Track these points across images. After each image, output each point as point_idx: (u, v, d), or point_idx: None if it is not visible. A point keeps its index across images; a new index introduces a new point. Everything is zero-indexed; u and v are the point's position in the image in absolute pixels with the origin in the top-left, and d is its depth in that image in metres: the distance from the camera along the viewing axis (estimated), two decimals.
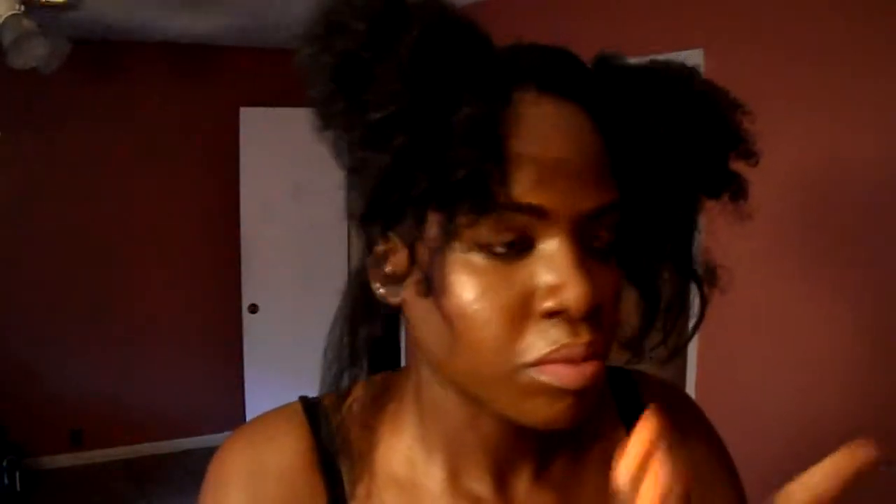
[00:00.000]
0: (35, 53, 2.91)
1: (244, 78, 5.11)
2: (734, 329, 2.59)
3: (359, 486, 0.60)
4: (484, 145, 0.46)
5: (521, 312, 0.49)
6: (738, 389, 2.56)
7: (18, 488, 4.19)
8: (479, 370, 0.51)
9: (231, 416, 5.12)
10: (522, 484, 0.61)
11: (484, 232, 0.48)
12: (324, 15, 0.52)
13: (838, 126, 2.29)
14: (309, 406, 0.64)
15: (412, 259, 0.51)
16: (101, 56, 4.71)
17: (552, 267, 0.49)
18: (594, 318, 0.50)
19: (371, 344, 0.62)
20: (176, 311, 5.08)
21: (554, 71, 0.52)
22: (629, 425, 0.64)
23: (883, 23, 2.17)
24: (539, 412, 0.50)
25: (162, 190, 4.98)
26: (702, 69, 2.66)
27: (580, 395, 0.50)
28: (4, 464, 4.09)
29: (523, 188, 0.48)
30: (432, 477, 0.60)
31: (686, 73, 0.56)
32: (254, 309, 4.83)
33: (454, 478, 0.60)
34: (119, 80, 4.82)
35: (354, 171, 0.50)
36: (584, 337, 0.49)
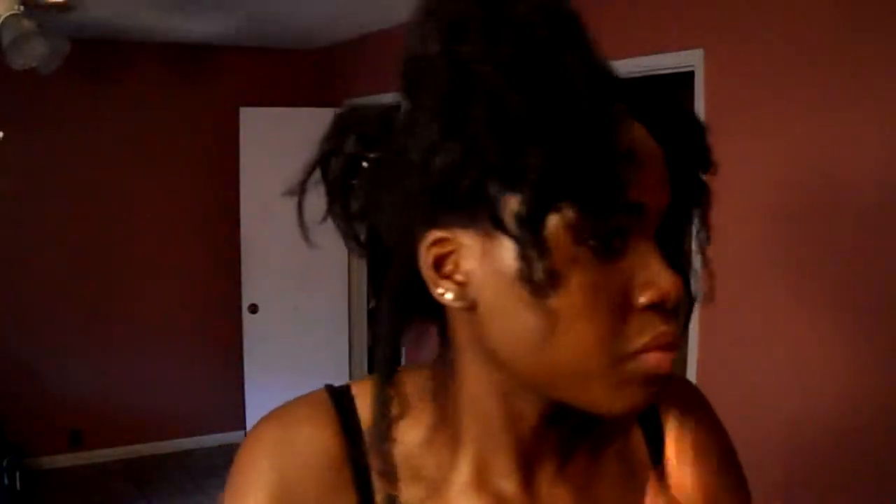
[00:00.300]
0: (35, 53, 2.91)
1: (244, 78, 5.12)
2: (733, 325, 2.59)
3: (383, 477, 0.61)
4: (620, 151, 0.50)
5: (622, 306, 0.53)
6: (737, 387, 2.56)
7: (18, 488, 4.18)
8: (579, 364, 0.53)
9: (231, 416, 5.12)
10: (545, 479, 0.63)
11: (595, 230, 0.51)
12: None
13: (838, 126, 2.29)
14: (335, 394, 0.65)
15: (523, 258, 0.51)
16: (101, 56, 4.71)
17: (647, 261, 0.53)
18: (675, 309, 0.54)
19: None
20: (176, 311, 5.08)
21: (626, 84, 0.56)
22: (642, 419, 0.67)
23: (883, 23, 2.17)
24: (631, 400, 0.55)
25: (162, 190, 4.98)
26: (702, 69, 2.67)
27: (663, 381, 0.55)
28: (4, 464, 4.09)
29: (636, 188, 0.51)
30: (459, 472, 0.61)
31: (671, 93, 0.59)
32: (254, 309, 4.83)
33: (481, 474, 0.61)
34: (119, 81, 4.82)
35: (502, 177, 0.51)
36: (674, 325, 0.54)
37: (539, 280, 0.51)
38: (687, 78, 2.68)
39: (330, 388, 0.66)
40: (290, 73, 5.28)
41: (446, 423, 0.62)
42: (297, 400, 0.66)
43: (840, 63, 2.28)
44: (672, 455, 0.60)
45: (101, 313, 4.87)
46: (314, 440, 0.61)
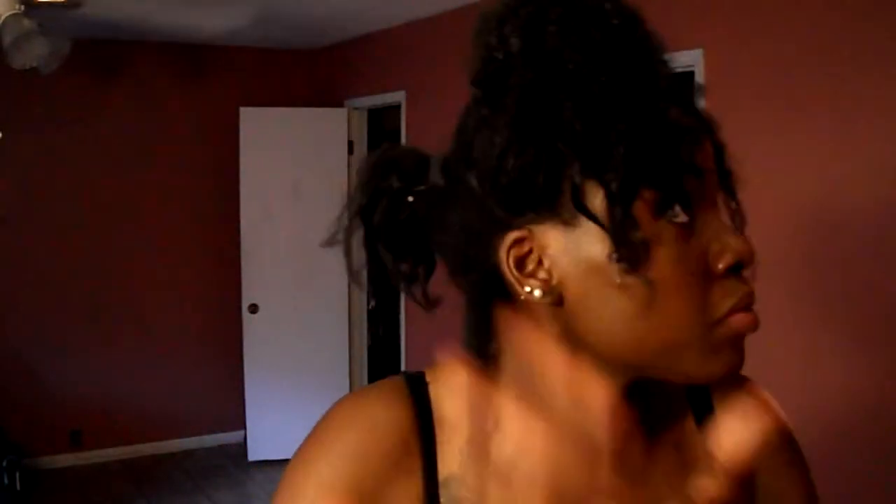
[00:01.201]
0: (35, 53, 2.91)
1: (244, 78, 5.12)
2: None
3: (451, 455, 0.62)
4: (687, 127, 0.54)
5: (705, 274, 0.56)
6: None
7: (18, 488, 4.19)
8: (675, 335, 0.56)
9: (231, 416, 5.12)
10: (621, 477, 0.63)
11: (670, 201, 0.54)
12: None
13: (838, 126, 2.29)
14: (411, 379, 0.67)
15: (616, 237, 0.53)
16: (101, 56, 4.71)
17: (715, 228, 0.56)
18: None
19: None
20: (176, 311, 5.08)
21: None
22: (695, 406, 0.69)
23: (883, 23, 2.17)
24: (726, 362, 0.57)
25: (162, 190, 4.98)
26: (702, 69, 2.68)
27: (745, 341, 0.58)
28: (4, 464, 4.09)
29: (699, 158, 0.55)
30: (529, 461, 0.62)
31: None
32: (254, 309, 4.83)
33: (552, 466, 0.61)
34: (119, 80, 4.82)
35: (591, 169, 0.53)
36: (750, 284, 0.57)
37: (633, 256, 0.53)
38: (687, 78, 2.68)
39: (406, 374, 0.68)
40: (290, 73, 5.28)
41: (507, 412, 0.62)
42: (375, 384, 0.68)
43: (841, 63, 2.28)
44: (724, 440, 0.60)
45: (102, 313, 4.87)
46: (386, 421, 0.63)
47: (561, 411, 0.61)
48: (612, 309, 0.55)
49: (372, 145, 5.19)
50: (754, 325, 0.57)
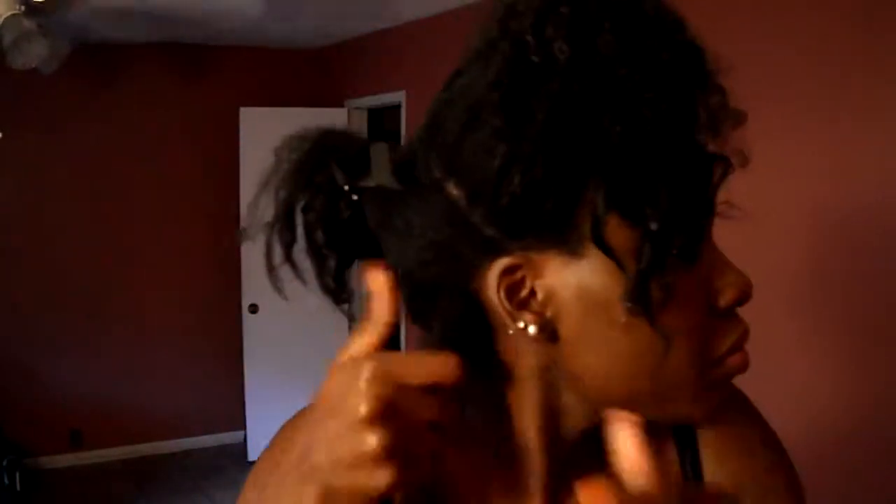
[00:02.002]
0: (35, 53, 2.91)
1: (244, 78, 5.12)
2: None
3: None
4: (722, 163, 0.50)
5: (707, 311, 0.52)
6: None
7: (18, 488, 4.18)
8: (673, 379, 0.52)
9: (231, 416, 5.13)
10: (571, 498, 0.59)
11: (692, 241, 0.50)
12: None
13: (839, 126, 2.29)
14: None
15: (635, 288, 0.47)
16: (101, 56, 4.71)
17: (716, 263, 0.53)
18: None
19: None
20: (176, 310, 5.08)
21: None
22: (678, 435, 0.64)
23: (884, 22, 2.17)
24: (711, 404, 0.54)
25: (162, 190, 4.98)
26: None
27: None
28: (4, 464, 4.09)
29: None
30: (490, 488, 0.58)
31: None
32: (254, 309, 4.83)
33: (508, 493, 0.58)
34: (119, 80, 4.82)
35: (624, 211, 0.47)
36: (745, 321, 0.54)
37: (651, 302, 0.47)
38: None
39: None
40: (290, 73, 5.28)
41: (476, 441, 0.57)
42: None
43: (841, 63, 2.28)
44: (709, 461, 0.60)
45: (101, 313, 4.87)
46: None
47: (528, 446, 0.56)
48: (612, 349, 0.50)
49: None
50: (747, 366, 0.54)
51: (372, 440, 0.41)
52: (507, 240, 0.48)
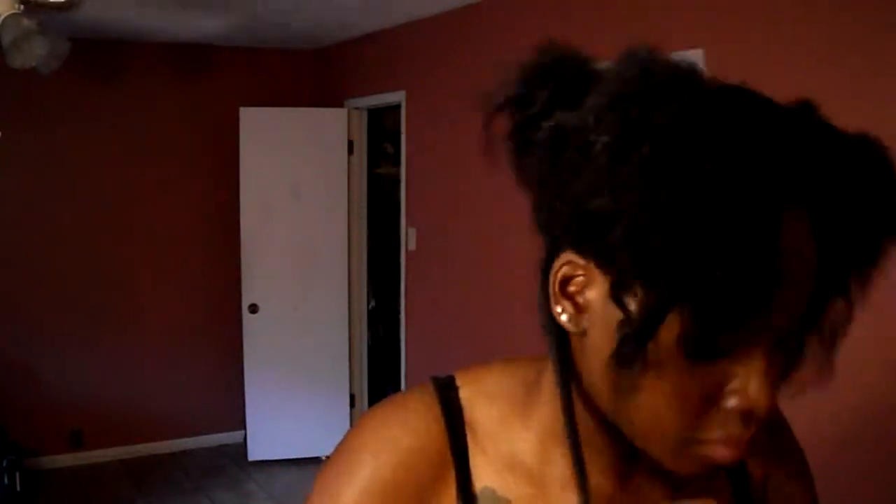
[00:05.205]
0: (35, 53, 2.91)
1: (244, 78, 5.12)
2: None
3: (484, 466, 0.62)
4: (766, 272, 0.47)
5: (708, 399, 0.52)
6: None
7: (18, 488, 4.18)
8: (649, 431, 0.54)
9: (231, 416, 5.13)
10: (642, 477, 0.64)
11: (706, 346, 0.50)
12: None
13: (842, 127, 2.29)
14: (441, 386, 0.66)
15: (622, 339, 0.50)
16: (101, 56, 4.71)
17: (749, 371, 0.51)
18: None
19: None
20: (176, 311, 5.08)
21: (826, 190, 0.50)
22: None
23: (885, 23, 2.17)
24: (687, 469, 0.55)
25: (162, 190, 4.98)
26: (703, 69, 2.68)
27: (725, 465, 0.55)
28: (4, 464, 4.09)
29: (766, 308, 0.49)
30: (556, 466, 0.62)
31: (883, 153, 0.53)
32: (254, 309, 4.83)
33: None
34: (119, 80, 4.82)
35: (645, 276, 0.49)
36: (752, 430, 0.53)
37: (630, 361, 0.50)
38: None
39: (436, 380, 0.66)
40: (290, 73, 5.28)
41: (552, 423, 0.62)
42: (405, 393, 0.67)
43: (841, 63, 2.28)
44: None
45: (102, 313, 4.87)
46: (417, 434, 0.62)
47: (589, 425, 0.60)
48: (604, 374, 0.54)
49: (372, 145, 5.19)
50: (732, 463, 0.54)
51: None
52: (583, 239, 0.53)
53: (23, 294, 4.68)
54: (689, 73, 0.52)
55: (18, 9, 2.85)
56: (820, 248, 0.50)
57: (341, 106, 5.01)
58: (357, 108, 4.97)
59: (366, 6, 4.02)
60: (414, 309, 4.36)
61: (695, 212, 0.46)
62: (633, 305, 0.50)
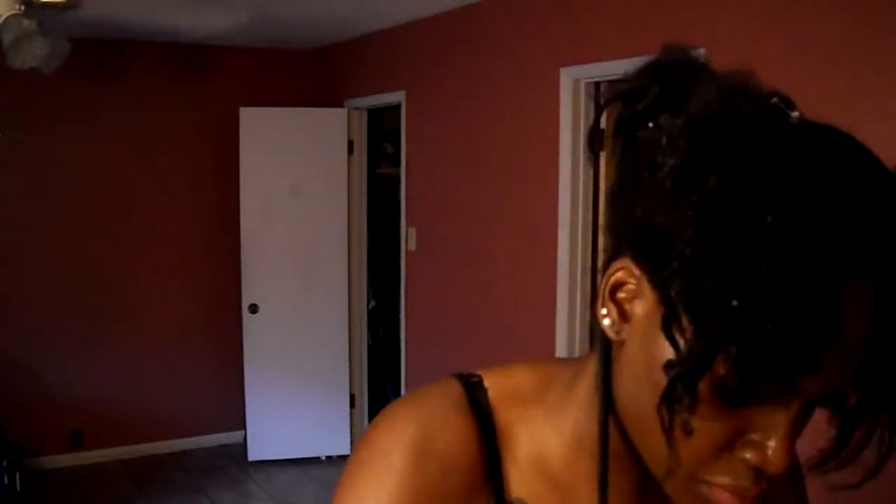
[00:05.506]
0: (35, 53, 2.91)
1: (244, 78, 5.12)
2: None
3: (515, 473, 0.61)
4: (820, 337, 0.44)
5: (724, 445, 0.51)
6: None
7: (18, 488, 4.18)
8: (656, 461, 0.54)
9: (231, 416, 5.13)
10: (664, 497, 0.62)
11: (741, 394, 0.49)
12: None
13: (844, 127, 2.29)
14: (469, 387, 0.63)
15: (668, 398, 0.49)
16: (101, 56, 4.71)
17: (773, 431, 0.50)
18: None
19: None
20: (176, 311, 5.08)
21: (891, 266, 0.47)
22: None
23: (885, 23, 2.17)
24: (686, 502, 0.55)
25: (162, 190, 4.98)
26: None
27: None
28: (4, 464, 4.08)
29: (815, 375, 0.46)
30: (584, 480, 0.61)
31: None
32: (254, 309, 4.83)
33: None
34: (119, 80, 4.82)
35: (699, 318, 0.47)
36: (762, 485, 0.52)
37: (677, 402, 0.49)
38: None
39: (464, 381, 0.64)
40: (290, 73, 5.28)
41: (579, 431, 0.61)
42: (433, 393, 0.63)
43: (842, 63, 2.28)
44: None
45: (102, 313, 4.87)
46: (447, 438, 0.59)
47: (619, 440, 0.59)
48: (637, 395, 0.54)
49: (372, 145, 5.20)
50: None
51: None
52: (642, 252, 0.52)
53: (23, 294, 4.68)
54: (774, 107, 0.50)
55: (19, 9, 2.85)
56: (878, 325, 0.47)
57: (341, 106, 5.01)
58: (357, 108, 4.97)
59: (366, 6, 4.02)
60: (414, 309, 4.36)
61: (750, 264, 0.44)
62: (681, 341, 0.48)
